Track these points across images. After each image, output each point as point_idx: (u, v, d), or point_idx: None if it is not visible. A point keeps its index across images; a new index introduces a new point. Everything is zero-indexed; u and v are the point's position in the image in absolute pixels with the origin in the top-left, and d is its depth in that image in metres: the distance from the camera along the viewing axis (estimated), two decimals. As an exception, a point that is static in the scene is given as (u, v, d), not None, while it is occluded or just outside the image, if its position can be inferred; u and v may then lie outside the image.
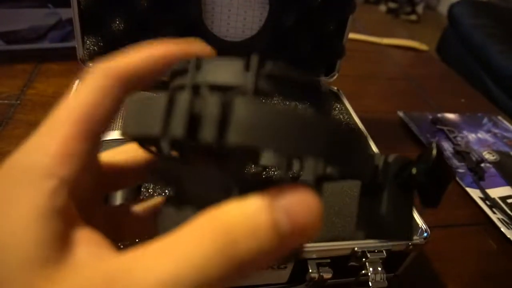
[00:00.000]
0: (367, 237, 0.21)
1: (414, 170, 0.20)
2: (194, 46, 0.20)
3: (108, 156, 0.21)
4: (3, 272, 0.14)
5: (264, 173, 0.22)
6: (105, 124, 0.18)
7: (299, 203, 0.14)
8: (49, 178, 0.15)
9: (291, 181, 0.15)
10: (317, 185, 0.17)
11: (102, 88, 0.17)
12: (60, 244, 0.14)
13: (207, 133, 0.14)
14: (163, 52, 0.19)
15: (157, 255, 0.13)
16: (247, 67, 0.16)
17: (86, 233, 0.16)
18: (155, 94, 0.15)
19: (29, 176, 0.15)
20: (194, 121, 0.14)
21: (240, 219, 0.13)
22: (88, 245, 0.15)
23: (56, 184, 0.15)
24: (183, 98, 0.15)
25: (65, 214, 0.15)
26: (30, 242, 0.14)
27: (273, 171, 0.38)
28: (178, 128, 0.14)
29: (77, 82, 0.50)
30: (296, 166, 0.20)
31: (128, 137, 0.18)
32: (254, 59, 0.16)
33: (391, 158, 0.20)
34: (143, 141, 0.19)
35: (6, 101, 0.58)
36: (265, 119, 0.14)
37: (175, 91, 0.17)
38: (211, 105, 0.14)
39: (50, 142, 0.16)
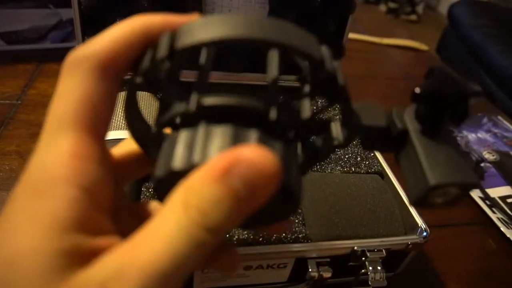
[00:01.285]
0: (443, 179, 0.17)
1: (417, 90, 0.19)
2: (172, 17, 0.20)
3: (116, 149, 0.21)
4: (19, 284, 0.14)
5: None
6: (108, 119, 0.18)
7: (253, 166, 0.14)
8: (69, 187, 0.15)
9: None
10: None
11: (93, 82, 0.17)
12: (79, 255, 0.15)
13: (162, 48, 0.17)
14: (141, 25, 0.19)
15: (141, 246, 0.15)
16: None
17: (105, 241, 0.16)
18: None
19: (47, 187, 0.15)
20: None
21: (204, 194, 0.14)
22: (111, 256, 0.15)
23: (76, 193, 0.15)
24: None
25: (86, 223, 0.15)
26: (46, 254, 0.14)
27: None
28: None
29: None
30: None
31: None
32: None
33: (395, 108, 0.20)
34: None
35: (7, 101, 0.59)
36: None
37: None
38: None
39: (61, 152, 0.16)
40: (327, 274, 0.35)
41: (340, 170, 0.44)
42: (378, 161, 0.46)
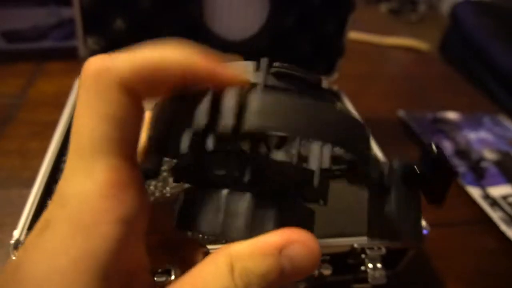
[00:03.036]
0: (378, 237, 0.21)
1: (417, 169, 0.21)
2: (219, 69, 0.17)
3: None
4: None
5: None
6: (137, 140, 0.17)
7: (301, 251, 0.16)
8: (111, 223, 0.15)
9: (299, 170, 0.18)
10: (322, 178, 0.18)
11: (119, 98, 0.16)
12: None
13: (226, 121, 0.16)
14: (179, 62, 0.17)
15: None
16: (257, 68, 0.18)
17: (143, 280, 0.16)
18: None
19: (90, 222, 0.14)
20: (216, 113, 0.16)
21: (252, 265, 0.15)
22: None
23: (118, 229, 0.15)
24: (206, 99, 0.16)
25: (126, 262, 0.15)
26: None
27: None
28: (202, 120, 0.16)
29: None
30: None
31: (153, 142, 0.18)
32: (264, 61, 0.18)
33: (395, 163, 0.21)
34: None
35: (8, 100, 0.59)
36: (276, 106, 0.16)
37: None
38: (228, 98, 0.16)
39: (100, 181, 0.15)
40: (327, 272, 0.35)
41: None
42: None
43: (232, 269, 0.15)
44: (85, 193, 0.15)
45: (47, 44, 0.71)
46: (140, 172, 0.17)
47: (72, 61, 0.51)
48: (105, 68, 0.16)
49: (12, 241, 0.30)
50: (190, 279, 0.15)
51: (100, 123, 0.15)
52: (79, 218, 0.14)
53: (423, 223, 0.39)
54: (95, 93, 0.15)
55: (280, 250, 0.15)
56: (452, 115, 0.77)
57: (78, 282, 0.14)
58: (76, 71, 0.50)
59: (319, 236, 0.35)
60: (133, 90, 0.16)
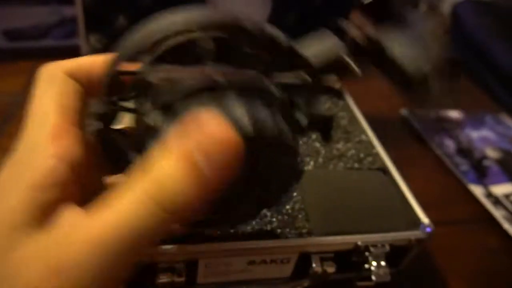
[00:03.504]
0: None
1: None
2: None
3: None
4: None
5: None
6: (79, 111, 0.21)
7: (215, 146, 0.16)
8: (48, 158, 0.18)
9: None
10: None
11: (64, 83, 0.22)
12: (45, 212, 0.17)
13: None
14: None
15: (96, 215, 0.17)
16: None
17: (71, 208, 0.18)
18: None
19: (31, 159, 0.18)
20: None
21: (167, 177, 0.16)
22: (69, 217, 0.17)
23: (54, 163, 0.18)
24: None
25: (58, 189, 0.18)
26: (19, 209, 0.17)
27: None
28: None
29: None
30: None
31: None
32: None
33: None
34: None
35: (9, 99, 0.59)
36: None
37: None
38: None
39: (43, 133, 0.19)
40: (331, 269, 0.35)
41: (342, 166, 0.44)
42: (381, 158, 0.46)
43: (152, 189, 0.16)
44: (33, 139, 0.19)
45: (48, 42, 0.71)
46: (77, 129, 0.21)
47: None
48: (53, 64, 0.22)
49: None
50: (114, 194, 0.17)
51: (51, 96, 0.21)
52: (26, 156, 0.19)
53: (426, 220, 0.38)
54: (47, 78, 0.22)
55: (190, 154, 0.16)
56: (454, 114, 0.77)
57: (18, 199, 0.17)
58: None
59: (323, 234, 0.35)
60: (75, 78, 0.22)
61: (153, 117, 0.19)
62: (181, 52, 0.19)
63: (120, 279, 0.17)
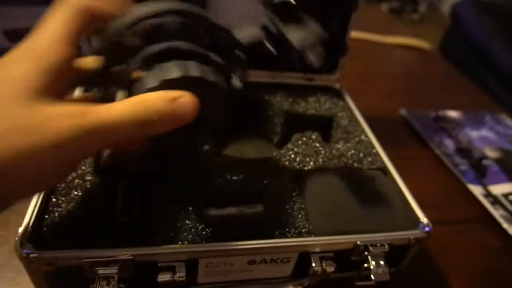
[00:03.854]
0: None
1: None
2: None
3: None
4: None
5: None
6: (76, 40, 0.27)
7: (187, 101, 0.26)
8: (53, 46, 0.25)
9: None
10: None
11: (72, 16, 0.27)
12: (47, 90, 0.24)
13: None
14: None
15: (103, 107, 0.25)
16: None
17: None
18: None
19: (40, 45, 0.25)
20: None
21: (154, 100, 0.25)
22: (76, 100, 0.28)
23: (57, 58, 0.25)
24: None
25: (56, 76, 0.25)
26: (32, 80, 0.23)
27: None
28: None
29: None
30: None
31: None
32: None
33: None
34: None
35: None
36: None
37: None
38: None
39: (53, 35, 0.26)
40: (330, 269, 0.35)
41: (342, 166, 0.44)
42: (381, 158, 0.46)
43: (142, 103, 0.25)
44: (42, 38, 0.26)
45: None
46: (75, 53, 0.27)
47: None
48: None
49: (17, 238, 0.30)
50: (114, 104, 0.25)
51: (59, 22, 0.27)
52: (38, 46, 0.26)
53: (425, 220, 0.39)
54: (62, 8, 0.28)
55: (175, 99, 0.26)
56: (454, 113, 0.78)
57: (28, 70, 0.24)
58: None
59: (323, 233, 0.35)
60: (84, 13, 0.27)
61: (136, 70, 0.28)
62: (155, 32, 0.27)
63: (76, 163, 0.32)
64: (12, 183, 0.22)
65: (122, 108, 0.24)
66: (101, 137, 0.24)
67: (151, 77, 0.26)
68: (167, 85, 0.26)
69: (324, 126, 0.51)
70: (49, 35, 0.26)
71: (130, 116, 0.24)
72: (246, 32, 0.34)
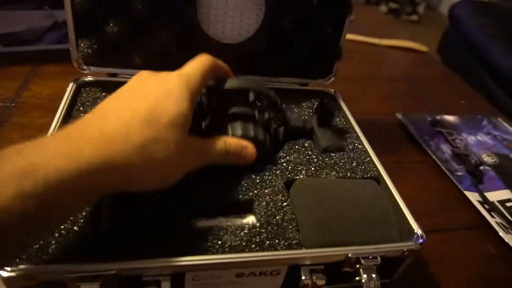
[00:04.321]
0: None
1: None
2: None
3: None
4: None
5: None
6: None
7: (250, 150, 0.39)
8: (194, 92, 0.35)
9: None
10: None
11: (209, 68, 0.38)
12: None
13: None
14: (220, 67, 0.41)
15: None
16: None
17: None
18: None
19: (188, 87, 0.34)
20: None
21: (235, 144, 0.39)
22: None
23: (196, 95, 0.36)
24: None
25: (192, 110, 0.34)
26: (183, 116, 0.32)
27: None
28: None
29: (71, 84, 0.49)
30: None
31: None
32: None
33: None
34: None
35: (1, 104, 0.58)
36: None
37: None
38: None
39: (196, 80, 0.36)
40: (321, 282, 0.34)
41: (335, 175, 0.43)
42: (375, 166, 0.45)
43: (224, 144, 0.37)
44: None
45: (42, 46, 0.70)
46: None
47: (67, 63, 0.50)
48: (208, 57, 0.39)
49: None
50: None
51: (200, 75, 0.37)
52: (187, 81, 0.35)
53: (419, 231, 0.38)
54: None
55: (243, 147, 0.39)
56: (450, 118, 0.77)
57: (186, 105, 0.33)
58: (71, 73, 0.50)
59: (314, 245, 0.34)
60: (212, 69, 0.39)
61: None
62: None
63: None
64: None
65: (220, 148, 0.37)
66: (203, 163, 0.36)
67: (235, 129, 0.41)
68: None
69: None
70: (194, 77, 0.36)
71: (221, 152, 0.37)
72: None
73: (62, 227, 0.32)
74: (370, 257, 0.35)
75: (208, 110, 0.41)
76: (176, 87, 0.33)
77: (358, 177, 0.44)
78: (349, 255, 0.35)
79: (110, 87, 0.49)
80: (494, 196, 0.59)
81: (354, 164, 0.45)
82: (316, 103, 0.50)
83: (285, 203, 0.39)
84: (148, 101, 0.31)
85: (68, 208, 0.27)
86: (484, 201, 0.57)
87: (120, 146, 0.28)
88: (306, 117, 0.52)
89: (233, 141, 0.38)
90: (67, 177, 0.24)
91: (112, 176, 0.28)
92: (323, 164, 0.44)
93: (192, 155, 0.34)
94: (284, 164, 0.43)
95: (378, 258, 0.35)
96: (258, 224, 0.36)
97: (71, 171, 0.25)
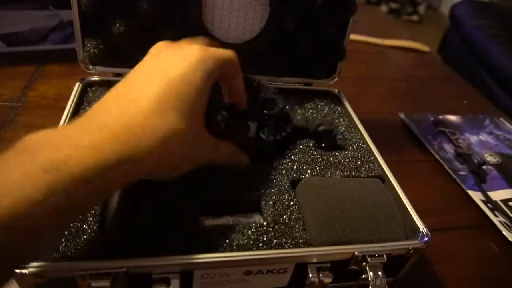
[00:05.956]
0: None
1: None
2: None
3: None
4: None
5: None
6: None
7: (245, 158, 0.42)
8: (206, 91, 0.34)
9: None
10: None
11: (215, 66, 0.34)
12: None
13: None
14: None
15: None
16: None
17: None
18: None
19: (196, 89, 0.32)
20: None
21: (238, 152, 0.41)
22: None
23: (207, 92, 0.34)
24: None
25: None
26: (201, 107, 0.33)
27: None
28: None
29: (77, 84, 0.50)
30: None
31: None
32: None
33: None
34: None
35: (7, 103, 0.58)
36: None
37: None
38: None
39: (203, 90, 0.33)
40: (328, 279, 0.35)
41: (340, 174, 0.43)
42: (379, 165, 0.46)
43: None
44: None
45: (46, 46, 0.70)
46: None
47: (72, 63, 0.50)
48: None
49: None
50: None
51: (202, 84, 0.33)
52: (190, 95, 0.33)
53: (424, 229, 0.38)
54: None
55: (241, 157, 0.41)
56: (453, 117, 0.77)
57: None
58: (76, 73, 0.51)
59: (320, 243, 0.35)
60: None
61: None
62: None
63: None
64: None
65: (225, 153, 0.38)
66: (209, 159, 0.36)
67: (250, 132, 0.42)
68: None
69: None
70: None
71: (226, 157, 0.39)
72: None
73: (71, 225, 0.33)
74: (376, 255, 0.35)
75: (220, 108, 0.41)
76: (197, 70, 0.32)
77: (362, 176, 0.44)
78: (356, 253, 0.35)
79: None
80: (497, 195, 0.59)
81: (359, 163, 0.45)
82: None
83: (291, 202, 0.39)
84: (165, 87, 0.31)
85: (91, 202, 0.27)
86: (487, 200, 0.58)
87: (142, 139, 0.28)
88: (310, 117, 0.53)
89: (236, 150, 0.40)
90: (93, 170, 0.25)
91: (131, 168, 0.28)
92: (328, 163, 0.44)
93: (203, 149, 0.35)
94: (289, 163, 0.43)
95: (384, 256, 0.36)
96: (265, 223, 0.36)
97: (98, 164, 0.25)
